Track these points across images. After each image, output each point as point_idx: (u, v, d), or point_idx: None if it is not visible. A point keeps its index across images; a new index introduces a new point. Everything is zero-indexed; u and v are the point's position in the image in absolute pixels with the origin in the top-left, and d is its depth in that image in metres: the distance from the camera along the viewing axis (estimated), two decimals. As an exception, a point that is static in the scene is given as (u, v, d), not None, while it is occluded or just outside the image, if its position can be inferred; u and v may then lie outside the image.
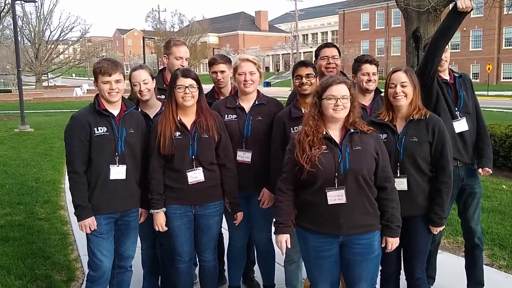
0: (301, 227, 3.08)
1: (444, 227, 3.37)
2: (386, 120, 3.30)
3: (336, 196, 2.88)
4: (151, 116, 3.78)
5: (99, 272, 3.42)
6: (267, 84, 55.73)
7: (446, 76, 3.99)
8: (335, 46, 4.27)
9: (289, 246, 3.11)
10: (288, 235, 3.09)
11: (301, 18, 73.08)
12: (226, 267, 4.27)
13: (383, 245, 3.03)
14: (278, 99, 4.08)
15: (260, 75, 3.81)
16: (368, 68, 3.85)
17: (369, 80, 3.85)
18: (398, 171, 3.23)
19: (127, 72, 3.65)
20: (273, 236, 3.86)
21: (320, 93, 2.96)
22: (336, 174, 2.88)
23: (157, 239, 3.95)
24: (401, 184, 3.22)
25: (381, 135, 3.22)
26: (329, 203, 2.89)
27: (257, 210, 3.82)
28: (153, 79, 3.79)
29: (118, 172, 3.39)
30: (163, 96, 3.94)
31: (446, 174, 3.25)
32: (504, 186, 7.85)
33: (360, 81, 3.87)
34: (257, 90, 3.86)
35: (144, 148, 3.54)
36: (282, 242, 3.09)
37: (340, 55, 4.23)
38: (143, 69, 3.79)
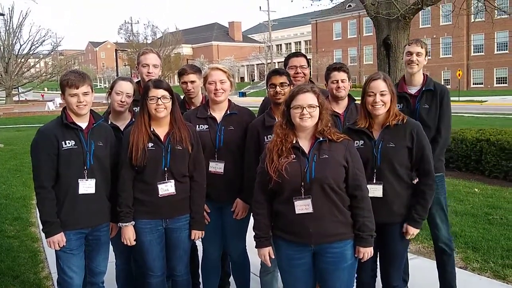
0: (275, 235, 3.07)
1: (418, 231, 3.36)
2: (363, 127, 3.28)
3: (303, 206, 2.86)
4: (121, 128, 3.73)
5: (69, 290, 3.32)
6: (243, 94, 55.86)
7: (416, 84, 3.99)
8: (304, 55, 4.28)
9: (272, 257, 3.09)
10: (270, 248, 3.08)
11: (275, 28, 73.59)
12: (201, 279, 4.21)
13: (356, 255, 2.98)
14: (253, 109, 4.06)
15: (231, 84, 3.77)
16: (337, 75, 3.88)
17: (338, 87, 3.87)
18: (375, 178, 3.22)
19: (100, 85, 3.63)
20: (248, 247, 3.85)
21: (288, 103, 2.97)
22: (303, 183, 2.86)
23: (131, 254, 3.86)
24: (376, 190, 3.20)
25: (358, 141, 3.22)
26: (296, 212, 2.87)
27: (230, 221, 3.77)
28: (133, 96, 3.79)
29: (87, 186, 3.31)
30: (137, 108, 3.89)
31: (430, 177, 3.26)
32: (476, 190, 7.97)
33: (331, 89, 3.91)
34: (228, 99, 3.82)
35: (114, 161, 3.47)
36: (265, 255, 3.09)
37: (308, 64, 4.24)
38: (131, 83, 3.83)
